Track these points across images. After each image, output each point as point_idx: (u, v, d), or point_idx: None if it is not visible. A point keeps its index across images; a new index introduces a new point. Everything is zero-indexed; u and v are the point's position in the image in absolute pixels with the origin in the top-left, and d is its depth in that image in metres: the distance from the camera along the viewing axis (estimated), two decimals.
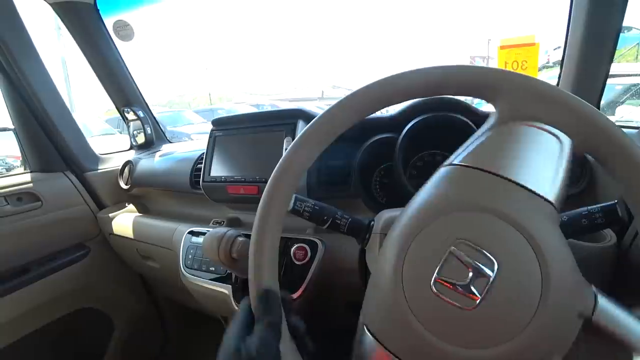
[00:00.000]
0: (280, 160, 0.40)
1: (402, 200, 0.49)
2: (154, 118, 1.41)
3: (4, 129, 1.21)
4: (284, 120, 0.77)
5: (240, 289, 0.72)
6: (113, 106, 1.39)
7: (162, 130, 1.45)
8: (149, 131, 1.36)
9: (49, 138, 1.15)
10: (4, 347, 1.03)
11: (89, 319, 1.26)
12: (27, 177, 1.11)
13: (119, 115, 1.42)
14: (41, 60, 1.09)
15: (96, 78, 1.29)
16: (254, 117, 0.82)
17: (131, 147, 1.42)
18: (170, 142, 1.46)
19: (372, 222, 0.50)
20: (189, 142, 1.46)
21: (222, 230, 0.60)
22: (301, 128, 0.76)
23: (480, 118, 0.68)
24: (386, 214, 0.50)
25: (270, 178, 0.40)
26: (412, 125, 0.69)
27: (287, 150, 0.40)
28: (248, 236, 0.47)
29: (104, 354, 1.31)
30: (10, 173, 1.19)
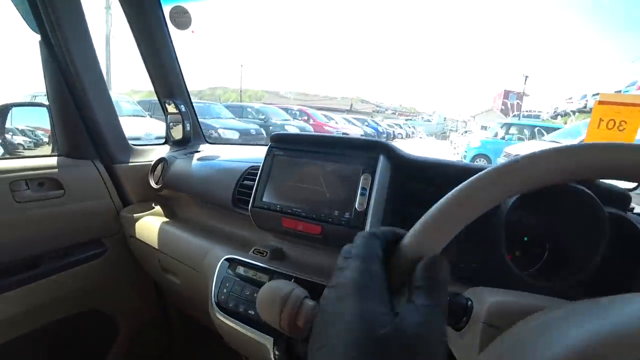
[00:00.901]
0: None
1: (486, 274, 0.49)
2: (195, 115, 1.31)
3: (39, 104, 1.12)
4: (363, 153, 0.64)
5: (284, 347, 0.59)
6: (139, 87, 1.29)
7: (200, 128, 1.35)
8: (187, 128, 1.25)
9: (83, 121, 1.05)
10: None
11: (94, 322, 1.15)
12: (53, 161, 1.01)
13: (150, 98, 1.33)
14: (90, 38, 1.01)
15: (142, 64, 1.20)
16: (326, 141, 0.69)
17: (166, 142, 1.32)
18: (208, 142, 1.35)
19: (470, 302, 0.41)
20: (231, 147, 1.34)
21: (284, 286, 0.45)
22: (383, 164, 0.63)
23: (602, 194, 0.53)
24: (489, 297, 0.41)
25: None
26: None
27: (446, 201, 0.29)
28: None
29: (104, 359, 1.19)
30: (35, 154, 1.09)
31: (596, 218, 0.53)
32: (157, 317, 1.33)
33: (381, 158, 0.63)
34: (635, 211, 0.65)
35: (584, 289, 0.58)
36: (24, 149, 1.50)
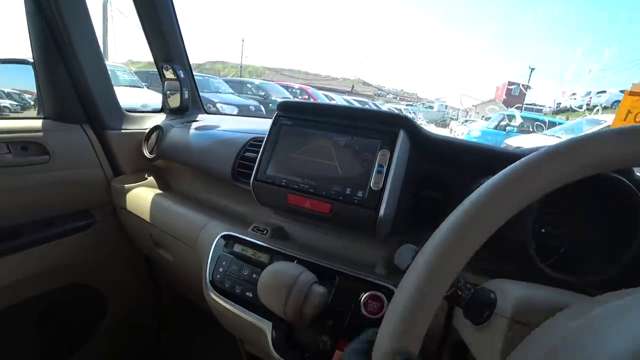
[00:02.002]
0: (462, 214, 0.26)
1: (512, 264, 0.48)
2: (194, 82, 1.23)
3: (22, 62, 1.03)
4: (381, 126, 0.57)
5: (284, 333, 0.53)
6: (137, 57, 1.21)
7: (199, 97, 1.26)
8: (186, 95, 1.17)
9: (72, 81, 0.96)
10: None
11: (81, 297, 1.10)
12: (38, 123, 0.93)
13: (148, 69, 1.24)
14: None
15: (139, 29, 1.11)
16: (340, 112, 0.61)
17: (162, 110, 1.24)
18: (207, 112, 1.27)
19: (494, 295, 0.38)
20: (232, 118, 1.26)
21: (290, 270, 0.40)
22: (404, 141, 0.56)
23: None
24: (514, 290, 0.38)
25: (438, 244, 0.26)
26: None
27: (475, 199, 0.27)
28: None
29: (93, 335, 1.15)
30: (19, 115, 1.01)
31: (631, 208, 0.47)
32: (148, 295, 1.28)
33: (401, 133, 0.56)
34: None
35: (602, 285, 0.54)
36: (10, 112, 1.41)
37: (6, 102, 1.39)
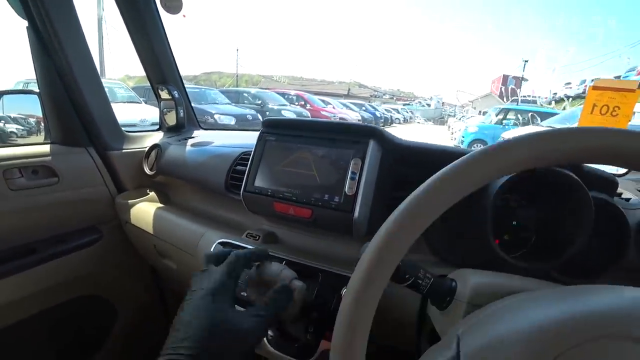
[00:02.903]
0: (405, 206, 0.31)
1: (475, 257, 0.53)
2: (189, 101, 1.30)
3: (29, 92, 1.11)
4: (353, 137, 0.64)
5: (276, 328, 0.60)
6: (133, 72, 1.28)
7: (194, 114, 1.34)
8: (181, 114, 1.25)
9: (74, 108, 1.04)
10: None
11: (92, 307, 1.17)
12: (46, 148, 1.01)
13: (145, 84, 1.32)
14: (79, 22, 0.99)
15: (134, 49, 1.19)
16: (317, 126, 0.69)
17: (160, 128, 1.31)
18: (202, 128, 1.35)
19: (454, 283, 0.44)
20: (224, 133, 1.34)
21: (276, 267, 0.48)
22: (373, 149, 0.63)
23: (588, 179, 0.54)
24: (473, 278, 0.44)
25: (387, 228, 0.31)
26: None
27: (416, 193, 0.31)
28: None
29: (104, 342, 1.22)
30: (28, 142, 1.08)
31: (581, 202, 0.54)
32: (155, 301, 1.35)
33: (371, 143, 0.63)
34: (623, 196, 0.67)
35: (568, 272, 0.59)
36: (17, 137, 1.49)
37: (13, 127, 1.47)
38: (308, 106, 10.24)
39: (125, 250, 1.16)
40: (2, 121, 1.42)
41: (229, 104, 8.33)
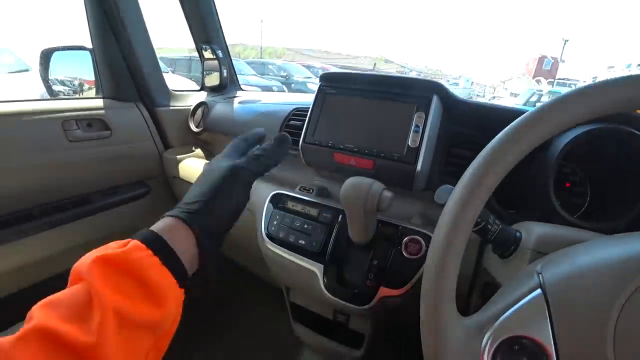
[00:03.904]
0: (480, 160, 0.33)
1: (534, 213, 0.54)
2: (231, 61, 1.30)
3: (82, 48, 1.14)
4: (416, 92, 0.64)
5: (334, 274, 0.62)
6: (160, 44, 1.28)
7: (236, 75, 1.34)
8: (224, 74, 1.25)
9: (127, 64, 1.06)
10: (55, 275, 1.00)
11: None
12: (99, 102, 1.04)
13: (171, 55, 1.32)
14: None
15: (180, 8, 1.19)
16: (378, 81, 0.68)
17: (202, 88, 1.33)
18: (242, 90, 1.35)
19: (519, 234, 0.46)
20: (267, 93, 1.34)
21: (365, 180, 0.52)
22: (436, 104, 0.62)
23: None
24: (537, 228, 0.45)
25: (469, 178, 0.32)
26: (580, 134, 0.54)
27: (491, 146, 0.33)
28: None
29: None
30: (82, 96, 1.12)
31: None
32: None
33: (435, 97, 0.63)
34: None
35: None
36: (64, 94, 1.54)
37: (60, 88, 1.51)
38: None
39: (170, 205, 1.20)
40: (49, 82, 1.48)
41: (254, 75, 8.31)
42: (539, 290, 0.32)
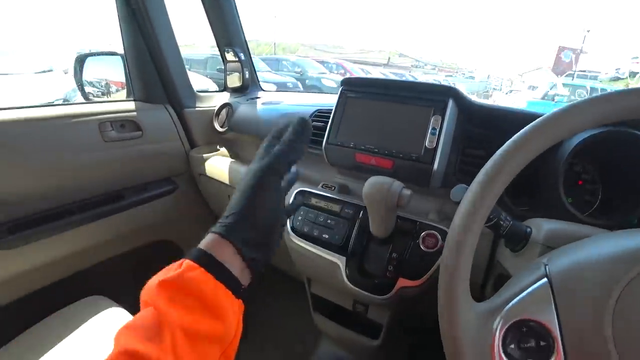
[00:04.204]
0: (493, 162, 0.37)
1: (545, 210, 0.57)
2: (252, 63, 1.35)
3: (114, 53, 1.21)
4: (432, 96, 0.68)
5: (356, 266, 0.67)
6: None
7: (257, 77, 1.40)
8: (246, 75, 1.30)
9: (156, 69, 1.13)
10: (90, 267, 1.08)
11: (166, 252, 1.30)
12: (131, 105, 1.11)
13: (187, 54, 1.37)
14: None
15: (204, 13, 1.25)
16: (396, 85, 0.72)
17: (224, 89, 1.38)
18: (263, 90, 1.41)
19: (529, 229, 0.49)
20: (288, 94, 1.39)
21: (385, 179, 0.57)
22: (452, 107, 0.67)
23: None
24: (546, 224, 0.49)
25: (481, 180, 0.36)
26: (588, 136, 0.58)
27: (503, 150, 0.37)
28: None
29: None
30: (115, 99, 1.19)
31: None
32: None
33: (450, 101, 0.67)
34: None
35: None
36: (94, 96, 1.62)
37: (90, 89, 1.59)
38: (348, 75, 9.97)
39: (196, 201, 1.27)
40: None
41: (268, 71, 8.36)
42: (545, 280, 0.35)
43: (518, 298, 0.36)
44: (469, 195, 0.37)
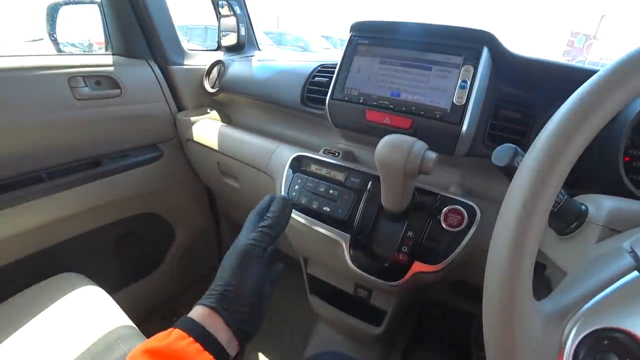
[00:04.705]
0: (562, 122, 0.26)
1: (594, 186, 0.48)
2: (250, 19, 1.21)
3: (91, 2, 1.07)
4: (463, 42, 0.55)
5: (360, 246, 0.56)
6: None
7: (254, 34, 1.25)
8: (242, 32, 1.17)
9: (137, 19, 0.99)
10: (62, 242, 0.97)
11: (152, 224, 1.19)
12: (109, 59, 0.97)
13: (186, 24, 1.23)
14: None
15: None
16: (417, 30, 0.58)
17: (218, 48, 1.25)
18: (260, 50, 1.27)
19: (584, 207, 0.39)
20: (287, 53, 1.25)
21: (407, 137, 0.44)
22: (486, 57, 0.53)
23: None
24: (607, 202, 0.39)
25: (545, 146, 0.26)
26: None
27: (574, 103, 0.26)
28: None
29: (163, 260, 1.26)
30: (91, 52, 1.05)
31: None
32: (209, 226, 1.38)
33: (485, 50, 0.54)
34: None
35: None
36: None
37: (71, 50, 1.45)
38: None
39: (183, 171, 1.16)
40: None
41: (271, 45, 8.10)
42: (635, 273, 0.26)
43: (597, 298, 0.26)
44: (536, 159, 0.26)
